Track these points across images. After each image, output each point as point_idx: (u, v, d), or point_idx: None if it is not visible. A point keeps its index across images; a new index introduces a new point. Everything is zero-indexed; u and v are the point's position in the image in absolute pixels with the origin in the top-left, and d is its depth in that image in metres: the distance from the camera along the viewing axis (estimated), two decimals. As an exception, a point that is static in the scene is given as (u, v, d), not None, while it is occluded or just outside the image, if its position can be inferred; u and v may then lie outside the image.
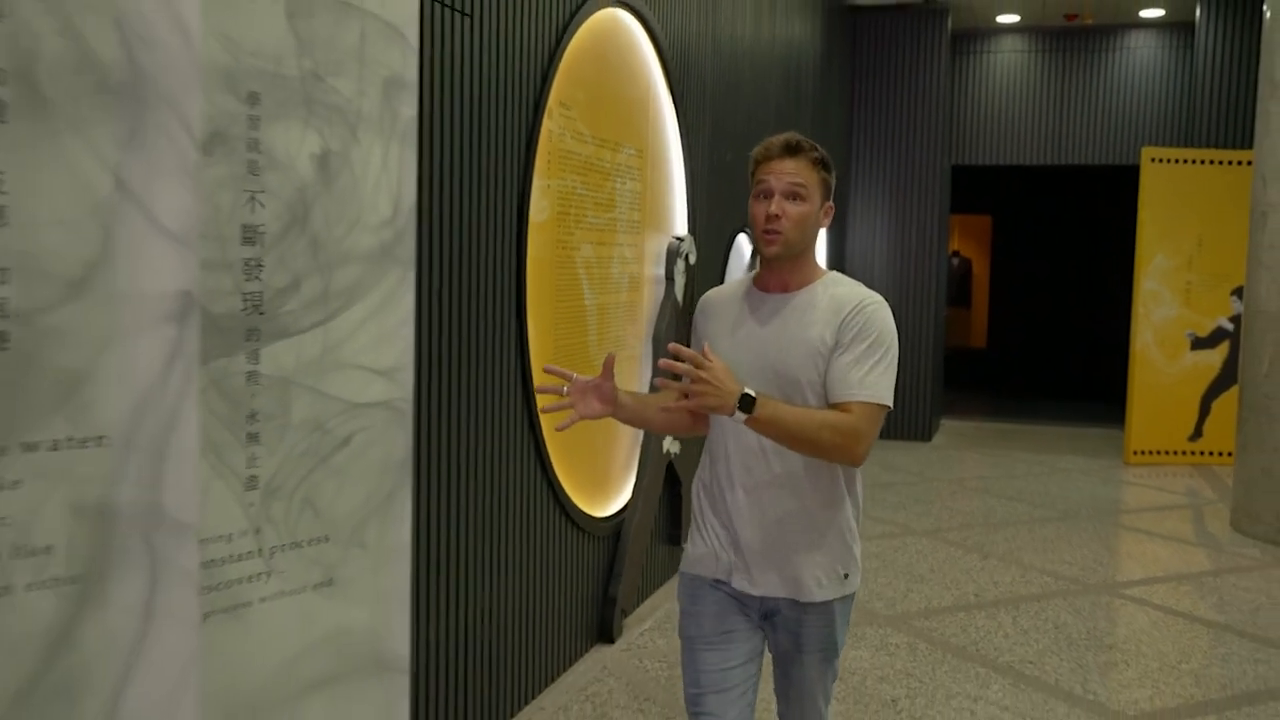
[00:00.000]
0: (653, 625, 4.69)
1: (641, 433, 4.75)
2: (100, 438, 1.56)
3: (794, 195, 2.19)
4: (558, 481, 3.93)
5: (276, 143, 2.01)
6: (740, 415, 2.03)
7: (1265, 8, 6.89)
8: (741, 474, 2.27)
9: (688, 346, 2.10)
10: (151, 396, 1.61)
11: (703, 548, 2.35)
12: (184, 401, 1.66)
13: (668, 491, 5.07)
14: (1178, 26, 10.08)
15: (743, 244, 6.30)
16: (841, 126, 9.69)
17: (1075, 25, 10.14)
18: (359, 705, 2.29)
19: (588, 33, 4.03)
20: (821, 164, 2.23)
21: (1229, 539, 6.71)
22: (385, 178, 2.26)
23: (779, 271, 2.26)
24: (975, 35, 10.61)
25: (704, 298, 2.44)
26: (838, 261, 9.65)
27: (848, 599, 2.32)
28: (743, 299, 2.33)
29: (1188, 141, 9.62)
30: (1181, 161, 8.97)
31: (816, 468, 2.22)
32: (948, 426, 11.10)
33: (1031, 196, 14.55)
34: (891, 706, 3.89)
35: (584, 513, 4.18)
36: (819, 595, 2.25)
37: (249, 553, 2.06)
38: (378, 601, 2.30)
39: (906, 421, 9.98)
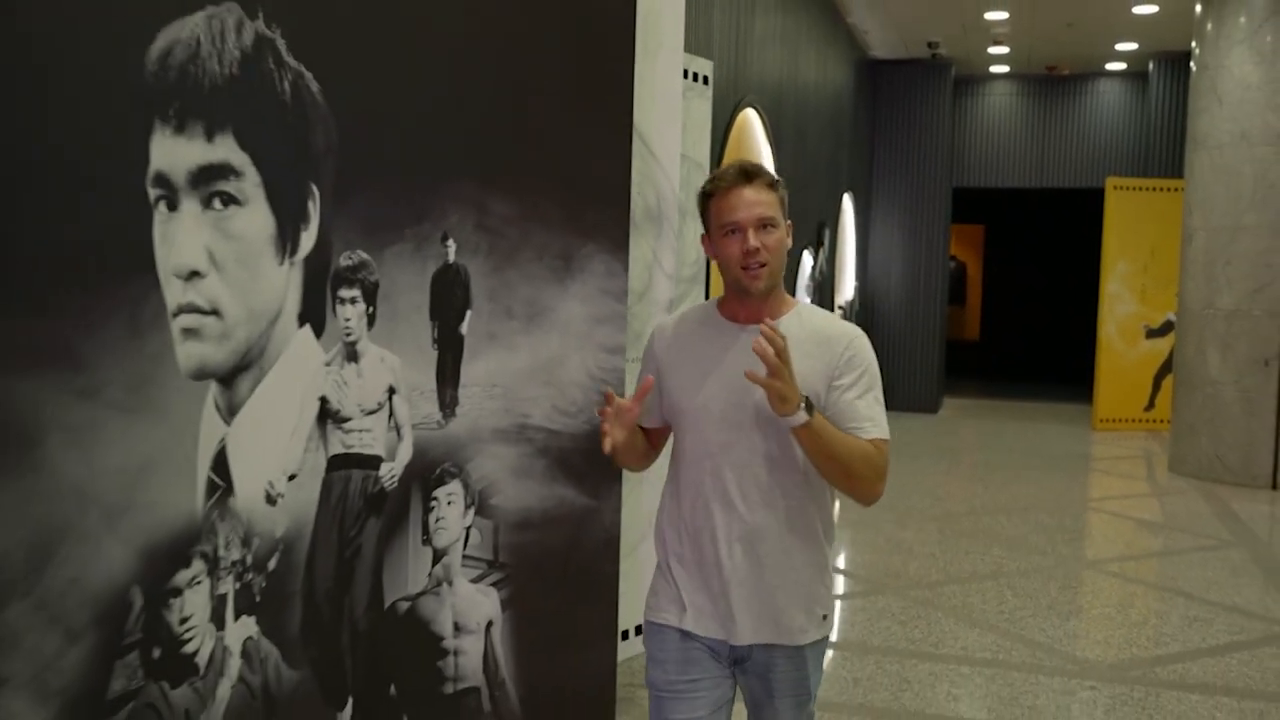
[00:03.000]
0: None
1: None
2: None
3: (765, 224, 2.06)
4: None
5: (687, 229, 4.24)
6: (802, 416, 1.92)
7: (1192, 63, 9.16)
8: (721, 515, 2.10)
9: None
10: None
11: (669, 593, 2.20)
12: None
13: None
14: (1135, 76, 12.38)
15: (805, 260, 8.55)
16: (866, 156, 11.94)
17: (1054, 74, 12.44)
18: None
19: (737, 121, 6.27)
20: (776, 185, 2.12)
21: (1167, 478, 9.00)
22: (695, 238, 4.49)
23: (752, 303, 2.10)
24: (973, 80, 12.89)
25: (659, 327, 2.28)
26: (861, 267, 11.89)
27: (821, 643, 2.19)
28: (710, 331, 2.16)
29: (1143, 171, 11.92)
30: (1138, 189, 11.26)
31: (798, 508, 2.08)
32: (949, 403, 13.38)
33: (1018, 211, 16.83)
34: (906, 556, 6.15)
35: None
36: (801, 639, 2.13)
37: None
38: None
39: (917, 397, 12.25)
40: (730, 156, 6.10)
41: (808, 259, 8.58)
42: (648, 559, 3.83)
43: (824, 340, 2.10)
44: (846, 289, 10.91)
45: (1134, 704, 4.05)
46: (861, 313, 11.58)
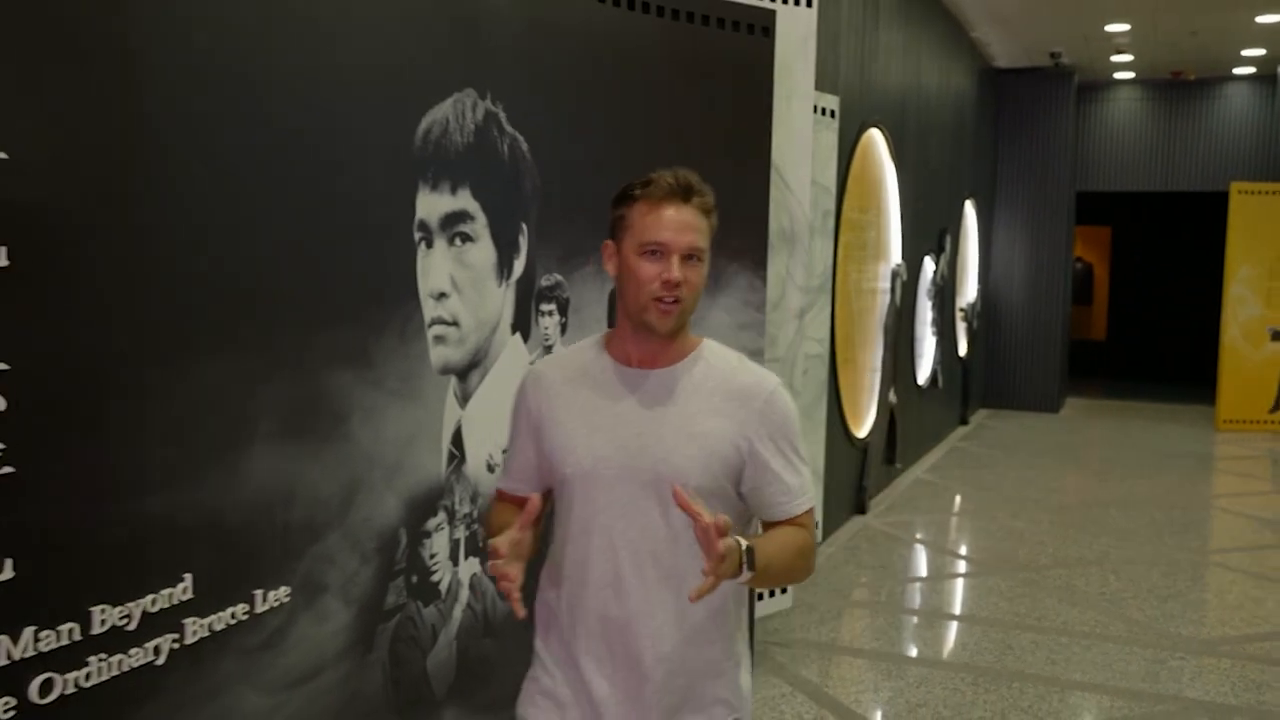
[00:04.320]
0: (883, 508, 7.44)
1: (877, 387, 7.49)
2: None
3: (693, 255, 1.72)
4: (845, 418, 6.72)
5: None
6: (746, 574, 1.60)
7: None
8: (612, 600, 1.74)
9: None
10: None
11: (544, 685, 1.83)
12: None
13: (888, 428, 7.83)
14: (1263, 79, 12.43)
15: (928, 265, 9.01)
16: (989, 162, 12.29)
17: (1179, 79, 12.58)
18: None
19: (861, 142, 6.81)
20: (712, 211, 1.79)
21: (1287, 477, 9.20)
22: (822, 252, 5.06)
23: (653, 343, 1.76)
24: (1096, 87, 13.09)
25: (532, 373, 1.92)
26: (984, 270, 12.24)
27: None
28: (598, 377, 1.80)
29: (1270, 176, 11.98)
30: (1263, 194, 11.37)
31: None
32: (1072, 403, 13.60)
33: (1144, 214, 16.84)
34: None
35: (854, 434, 6.98)
36: None
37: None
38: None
39: (1039, 396, 12.53)
40: (855, 176, 6.64)
41: (929, 265, 9.04)
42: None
43: (737, 394, 1.76)
44: (968, 292, 11.28)
45: (1219, 674, 4.49)
46: (983, 314, 11.93)
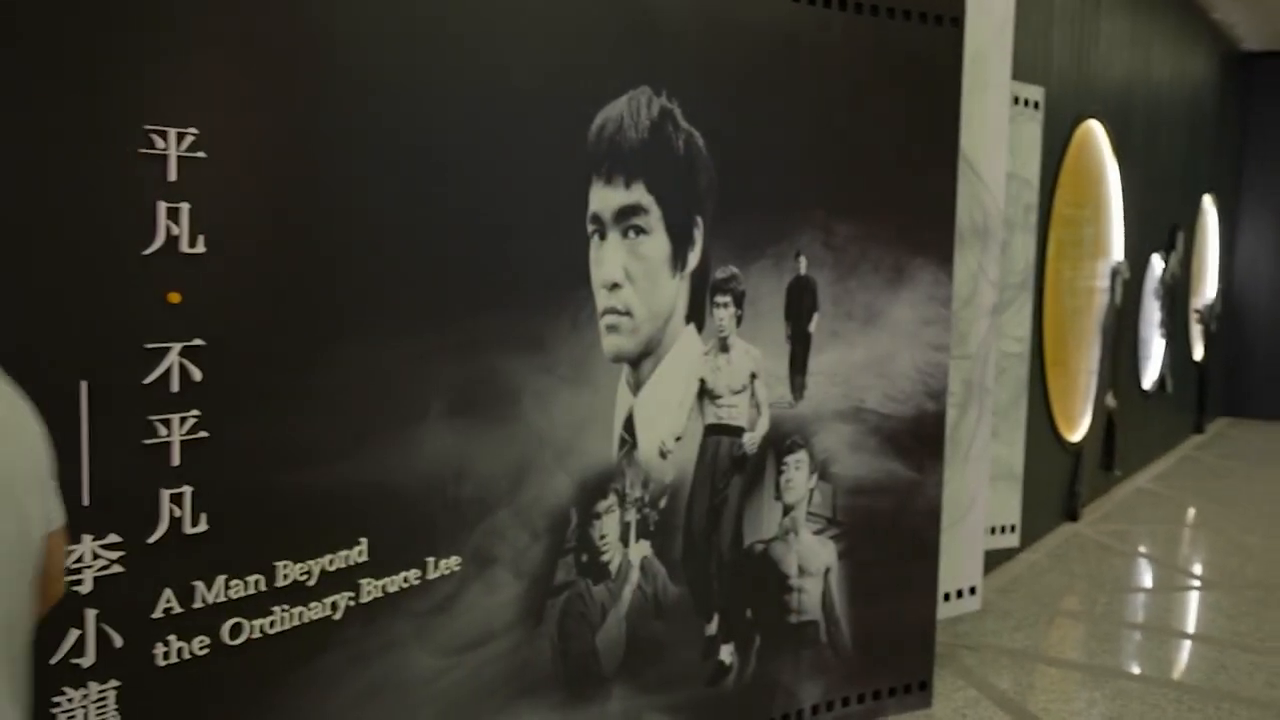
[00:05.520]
0: (1098, 516, 7.12)
1: (1094, 390, 7.18)
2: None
3: None
4: (1054, 421, 6.48)
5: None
6: None
7: None
8: None
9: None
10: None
11: None
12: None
13: (1105, 433, 7.48)
14: None
15: (1155, 263, 8.55)
16: (1234, 154, 11.51)
17: None
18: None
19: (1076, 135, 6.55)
20: None
21: None
22: (1023, 248, 4.92)
23: None
24: (1361, 70, 12.06)
25: None
26: (1226, 269, 11.47)
27: None
28: None
29: None
30: None
31: None
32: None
33: None
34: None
35: (1065, 437, 6.72)
36: None
37: (976, 414, 4.79)
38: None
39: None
40: (1069, 170, 6.39)
41: (1157, 263, 8.58)
42: (969, 533, 4.35)
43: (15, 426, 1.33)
44: (1206, 292, 10.62)
45: None
46: (1224, 315, 11.19)
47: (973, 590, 4.48)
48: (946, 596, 4.34)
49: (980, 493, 4.36)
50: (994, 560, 5.53)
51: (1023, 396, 5.12)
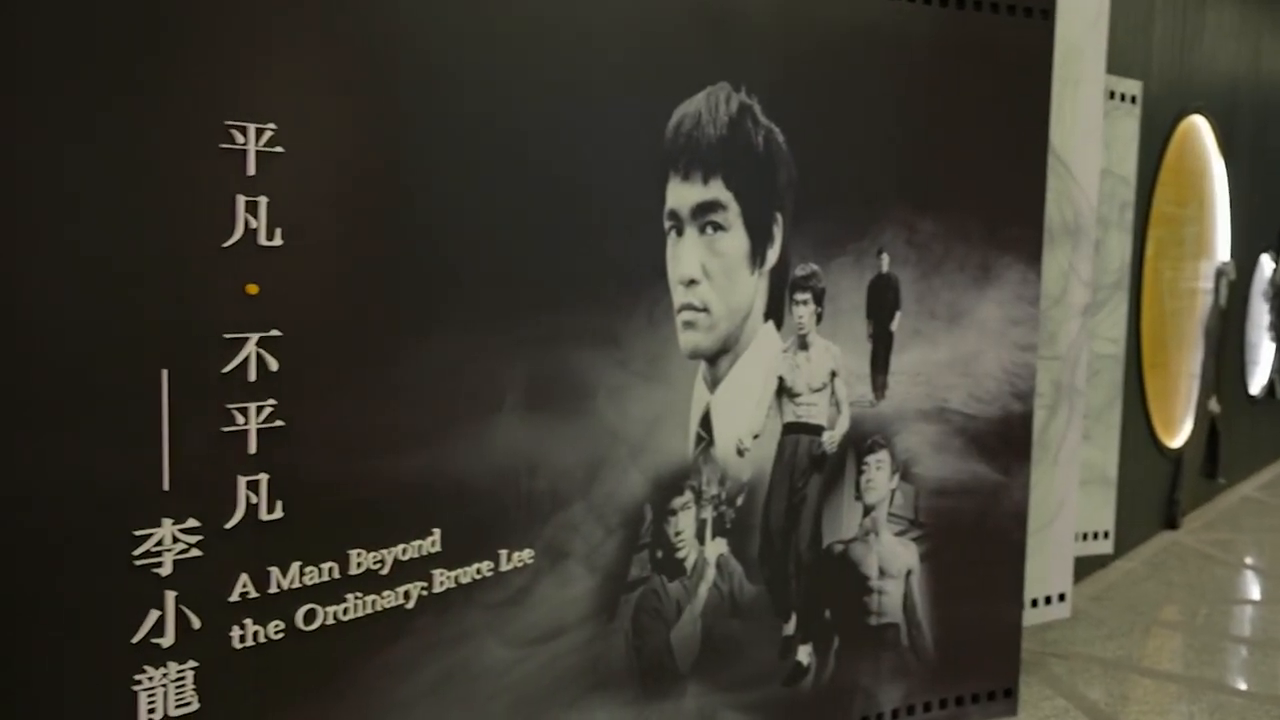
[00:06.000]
0: (1199, 525, 6.89)
1: (1196, 394, 6.95)
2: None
3: None
4: (1152, 425, 6.29)
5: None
6: None
7: None
8: None
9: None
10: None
11: None
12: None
13: (1208, 439, 7.24)
14: None
15: (1265, 263, 8.25)
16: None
17: None
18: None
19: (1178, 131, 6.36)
20: None
21: None
22: (1118, 247, 4.79)
23: None
24: None
25: None
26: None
27: None
28: None
29: None
30: None
31: None
32: None
33: None
34: (1386, 576, 5.89)
35: (1164, 443, 6.51)
36: None
37: (1068, 417, 4.67)
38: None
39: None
40: (1170, 168, 6.20)
41: (1267, 263, 8.27)
42: (1058, 538, 4.24)
43: None
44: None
45: None
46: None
47: (1062, 597, 4.38)
48: (1034, 603, 4.25)
49: (1070, 497, 4.25)
50: (1086, 567, 5.40)
51: (1117, 399, 4.98)
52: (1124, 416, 5.17)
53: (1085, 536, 4.82)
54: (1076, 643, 4.65)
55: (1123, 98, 4.61)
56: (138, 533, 1.81)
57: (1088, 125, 4.02)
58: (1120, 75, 4.65)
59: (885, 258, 3.28)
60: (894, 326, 3.35)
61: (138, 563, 1.81)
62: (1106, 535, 4.95)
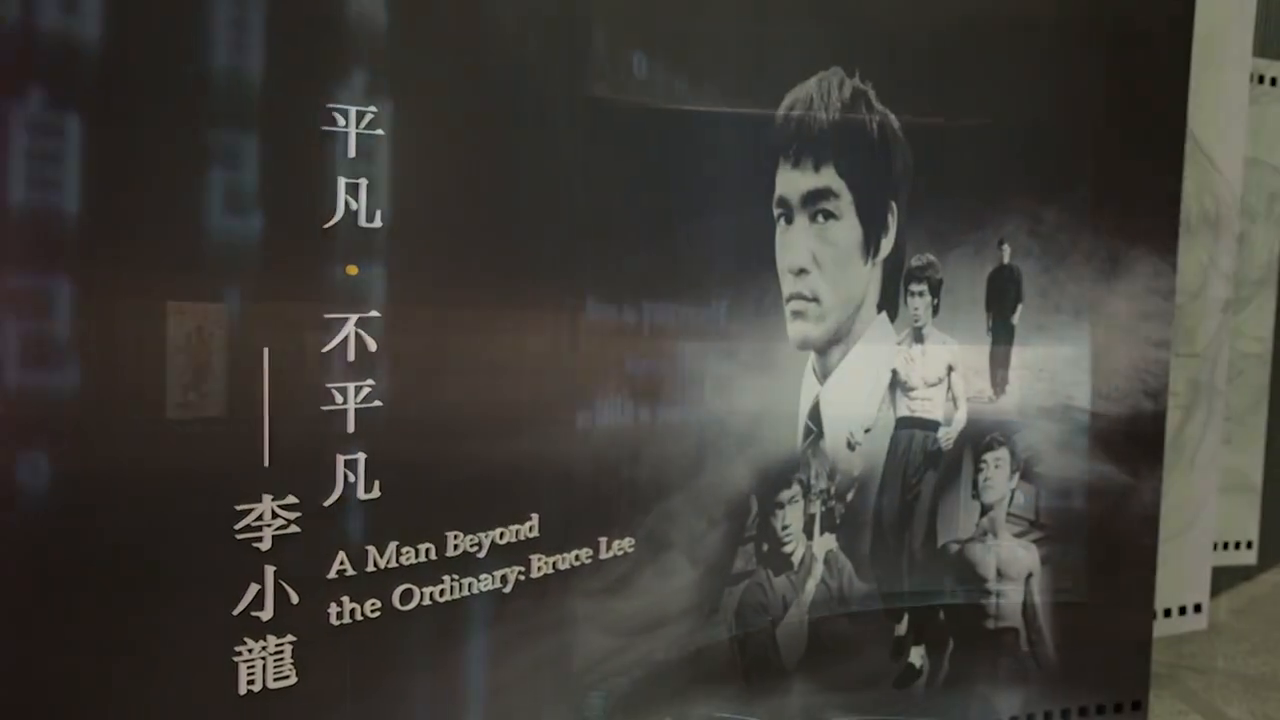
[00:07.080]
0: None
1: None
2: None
3: None
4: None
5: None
6: None
7: None
8: None
9: None
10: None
11: None
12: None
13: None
14: None
15: None
16: None
17: None
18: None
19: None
20: None
21: None
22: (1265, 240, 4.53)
23: None
24: None
25: None
26: None
27: None
28: None
29: None
30: None
31: None
32: None
33: None
34: None
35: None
36: None
37: (1207, 419, 4.43)
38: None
39: None
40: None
41: None
42: (1194, 544, 4.04)
43: None
44: None
45: None
46: None
47: (1198, 608, 4.17)
48: (1167, 613, 4.05)
49: (1208, 503, 4.04)
50: (1227, 579, 5.12)
51: (1263, 402, 4.72)
52: (1270, 420, 4.89)
53: (1226, 546, 4.58)
54: (1216, 657, 4.41)
55: (1274, 82, 4.36)
56: (239, 507, 1.85)
57: (1231, 111, 3.81)
58: (1271, 59, 4.40)
59: (1007, 249, 3.17)
60: (1015, 320, 3.22)
61: (238, 536, 1.85)
62: (1250, 545, 4.70)
